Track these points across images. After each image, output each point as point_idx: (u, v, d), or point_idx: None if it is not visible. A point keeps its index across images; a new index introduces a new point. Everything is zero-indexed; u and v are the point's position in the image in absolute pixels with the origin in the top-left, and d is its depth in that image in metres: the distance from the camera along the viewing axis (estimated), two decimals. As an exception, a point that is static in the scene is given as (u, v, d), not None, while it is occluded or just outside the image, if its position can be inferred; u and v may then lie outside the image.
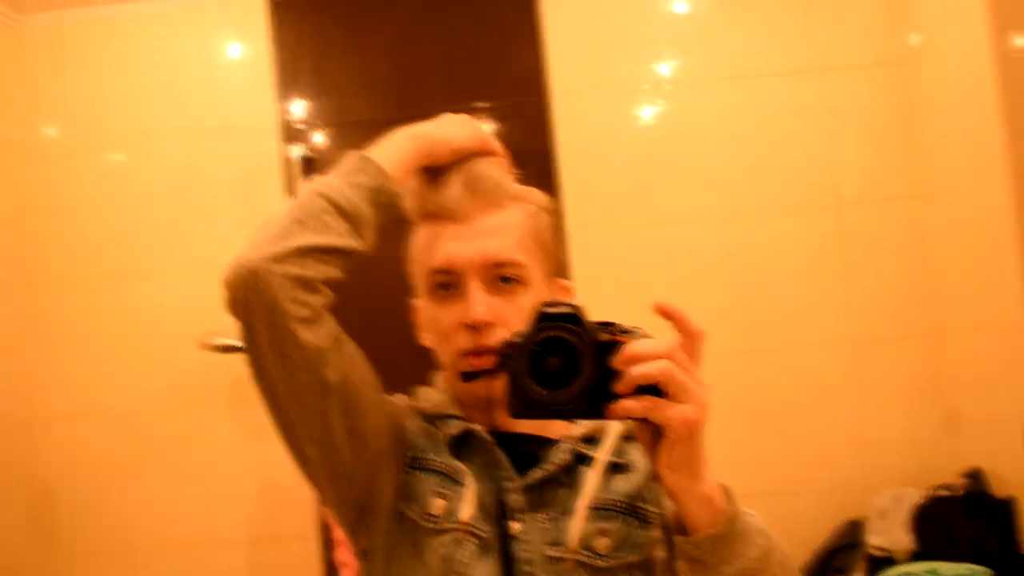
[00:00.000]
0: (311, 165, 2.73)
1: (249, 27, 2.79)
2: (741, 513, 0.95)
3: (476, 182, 1.20)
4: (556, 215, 1.28)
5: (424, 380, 1.31)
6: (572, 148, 2.73)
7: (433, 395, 1.29)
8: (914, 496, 2.44)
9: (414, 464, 1.20)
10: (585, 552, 1.12)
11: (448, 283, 1.19)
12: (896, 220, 2.70)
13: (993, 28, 2.27)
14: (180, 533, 2.71)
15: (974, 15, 2.32)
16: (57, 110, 2.81)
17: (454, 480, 1.17)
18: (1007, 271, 2.27)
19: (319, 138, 2.78)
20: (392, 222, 1.18)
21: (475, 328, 1.15)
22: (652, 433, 0.92)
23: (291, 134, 2.77)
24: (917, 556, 2.27)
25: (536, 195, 1.26)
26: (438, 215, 1.21)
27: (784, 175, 2.73)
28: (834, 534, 2.52)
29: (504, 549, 1.14)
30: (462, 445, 1.21)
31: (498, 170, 1.23)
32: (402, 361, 1.31)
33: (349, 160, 1.16)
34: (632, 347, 0.90)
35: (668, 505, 0.97)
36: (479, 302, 1.15)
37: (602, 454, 1.18)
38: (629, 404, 0.90)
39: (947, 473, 2.51)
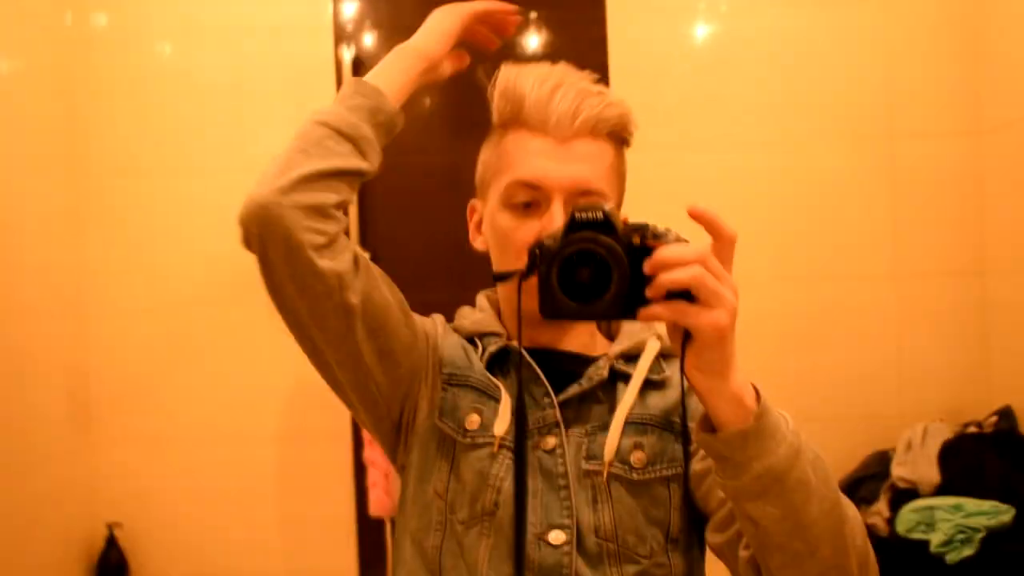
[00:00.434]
0: (361, 67, 2.72)
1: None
2: (770, 411, 0.95)
3: (581, 104, 1.18)
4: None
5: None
6: (624, 67, 2.69)
7: (474, 314, 1.30)
8: (943, 431, 2.45)
9: (450, 381, 1.22)
10: (620, 465, 1.15)
11: (531, 199, 1.18)
12: (950, 155, 2.66)
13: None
14: (213, 426, 2.77)
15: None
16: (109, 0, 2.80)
17: (489, 395, 1.19)
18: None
19: (370, 40, 2.76)
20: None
21: None
22: (683, 336, 0.93)
23: (343, 36, 2.75)
24: (942, 491, 2.28)
25: (626, 125, 1.25)
26: (533, 127, 1.19)
27: (837, 103, 2.69)
28: (862, 463, 2.54)
29: (539, 463, 1.16)
30: (500, 362, 1.23)
31: (601, 97, 1.21)
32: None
33: (346, 86, 1.17)
34: (663, 252, 0.90)
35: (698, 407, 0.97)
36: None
37: (639, 371, 1.20)
38: (659, 309, 0.91)
39: (980, 410, 2.52)
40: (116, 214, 2.78)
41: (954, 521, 2.14)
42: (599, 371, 1.20)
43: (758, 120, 2.71)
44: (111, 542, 2.73)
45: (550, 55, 2.68)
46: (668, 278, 0.89)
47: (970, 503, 2.17)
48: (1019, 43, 2.47)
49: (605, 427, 1.17)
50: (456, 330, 1.29)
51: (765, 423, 0.93)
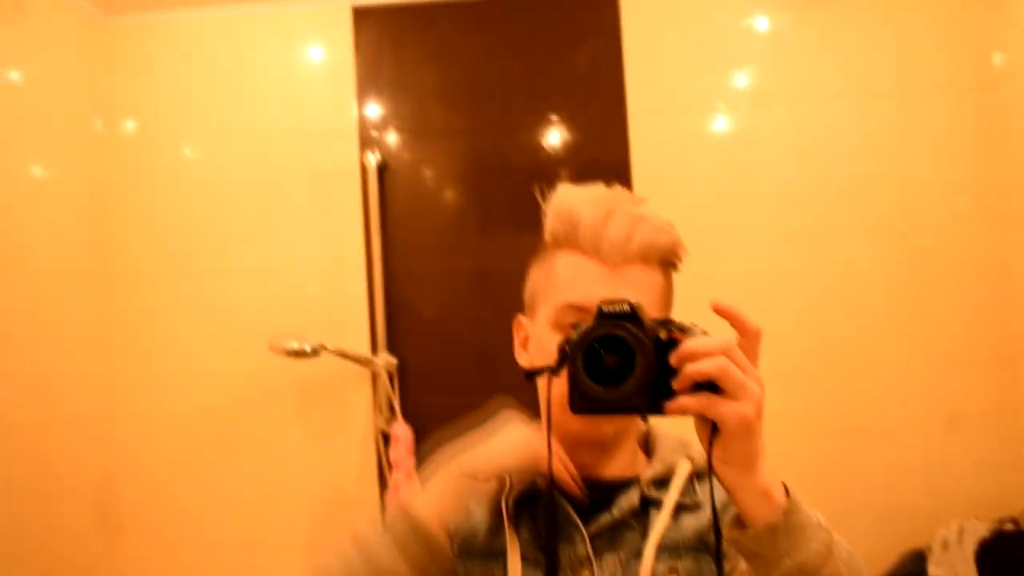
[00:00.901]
0: (386, 170, 2.76)
1: (332, 33, 2.83)
2: (800, 506, 0.94)
3: (635, 231, 1.18)
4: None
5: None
6: (647, 163, 2.73)
7: None
8: (980, 528, 2.41)
9: (459, 553, 1.20)
10: None
11: (581, 322, 1.20)
12: (970, 245, 2.67)
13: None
14: (242, 533, 2.74)
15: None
16: (139, 106, 2.85)
17: (497, 553, 1.18)
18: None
19: (396, 145, 2.80)
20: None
21: None
22: (710, 429, 0.93)
23: (368, 140, 2.80)
24: (981, 590, 2.25)
25: (677, 252, 1.25)
26: (586, 250, 1.19)
27: (857, 196, 2.70)
28: (898, 562, 2.50)
29: None
30: (528, 503, 1.21)
31: (654, 224, 1.21)
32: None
33: (389, 519, 1.15)
34: (689, 344, 0.92)
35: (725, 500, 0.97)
36: None
37: (670, 496, 1.19)
38: (686, 401, 0.92)
39: (1015, 504, 2.48)
40: (143, 319, 2.80)
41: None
42: (630, 500, 1.19)
43: (779, 214, 2.72)
44: (137, 650, 2.70)
45: (572, 152, 2.74)
46: (694, 369, 0.91)
47: (1011, 604, 2.14)
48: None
49: (638, 554, 1.15)
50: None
51: (795, 519, 0.93)
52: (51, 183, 2.61)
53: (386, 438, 2.68)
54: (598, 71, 2.78)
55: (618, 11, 2.76)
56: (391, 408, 2.69)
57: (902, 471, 2.65)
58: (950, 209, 2.69)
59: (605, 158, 2.75)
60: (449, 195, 2.78)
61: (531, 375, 1.15)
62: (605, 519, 1.17)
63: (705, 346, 0.92)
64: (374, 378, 2.72)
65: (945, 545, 2.40)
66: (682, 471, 1.22)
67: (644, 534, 1.17)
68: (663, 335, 0.95)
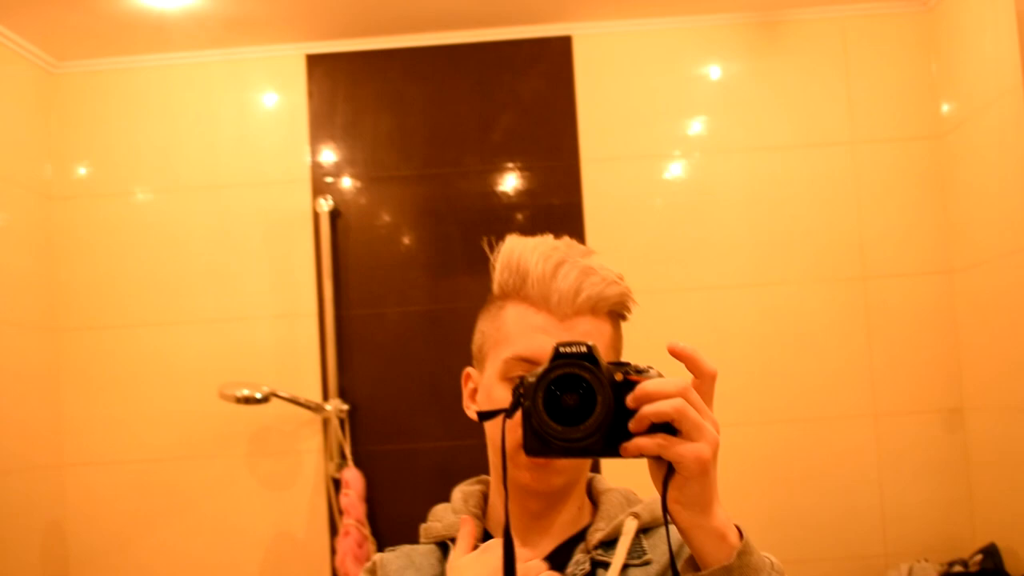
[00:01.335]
0: (339, 217, 2.76)
1: (285, 80, 2.83)
2: (753, 547, 0.95)
3: (583, 283, 1.17)
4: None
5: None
6: (599, 209, 2.76)
7: (447, 515, 1.27)
8: (929, 571, 2.42)
9: None
10: None
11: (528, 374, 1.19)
12: (923, 295, 2.71)
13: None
14: (192, 581, 2.71)
15: (1010, 88, 2.33)
16: (90, 154, 2.84)
17: None
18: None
19: (349, 191, 2.81)
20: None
21: None
22: (665, 470, 0.93)
23: (321, 187, 2.80)
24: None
25: (626, 303, 1.24)
26: (535, 302, 1.18)
27: (810, 246, 2.74)
28: (849, 606, 2.52)
29: None
30: None
31: (602, 276, 1.20)
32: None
33: None
34: (645, 386, 0.92)
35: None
36: None
37: (618, 556, 1.19)
38: (642, 442, 0.92)
39: (964, 548, 2.51)
40: (93, 367, 2.76)
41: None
42: (580, 566, 1.18)
43: (733, 261, 2.75)
44: None
45: (525, 198, 2.76)
46: (651, 410, 0.91)
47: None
48: (984, 187, 2.54)
49: None
50: (427, 532, 1.26)
51: (749, 560, 0.93)
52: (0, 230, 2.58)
53: (337, 484, 2.66)
54: (551, 118, 2.81)
55: (571, 59, 2.80)
56: (342, 454, 2.67)
57: (854, 516, 2.67)
58: (902, 260, 2.73)
59: (558, 204, 2.78)
60: (402, 240, 2.79)
61: (485, 416, 1.14)
62: None
63: (662, 387, 0.92)
64: (325, 424, 2.70)
65: (895, 588, 2.42)
66: (628, 529, 1.22)
67: None
68: (619, 377, 0.95)
